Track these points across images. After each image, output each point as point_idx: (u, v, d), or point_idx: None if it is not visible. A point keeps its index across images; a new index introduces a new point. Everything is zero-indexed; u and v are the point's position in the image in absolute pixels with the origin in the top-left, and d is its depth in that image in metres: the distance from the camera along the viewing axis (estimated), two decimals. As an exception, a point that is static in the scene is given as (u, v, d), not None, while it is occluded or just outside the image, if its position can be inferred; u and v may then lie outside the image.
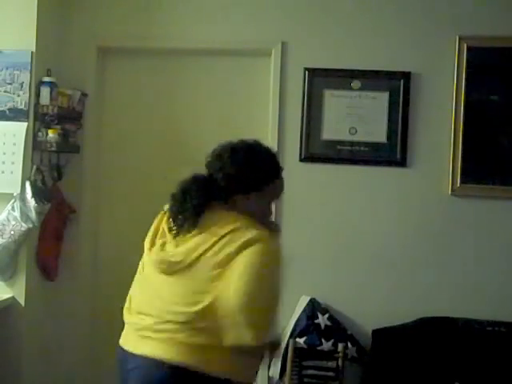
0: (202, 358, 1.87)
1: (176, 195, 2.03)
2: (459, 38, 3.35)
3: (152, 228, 2.09)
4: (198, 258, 1.90)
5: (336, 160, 3.44)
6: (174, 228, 1.98)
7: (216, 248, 1.91)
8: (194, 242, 1.93)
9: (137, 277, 2.11)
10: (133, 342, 1.97)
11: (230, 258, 1.89)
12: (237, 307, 1.84)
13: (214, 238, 1.91)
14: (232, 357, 1.89)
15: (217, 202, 2.00)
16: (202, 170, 2.12)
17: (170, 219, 2.01)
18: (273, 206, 2.18)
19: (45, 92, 3.30)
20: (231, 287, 1.86)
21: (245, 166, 2.03)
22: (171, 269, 1.93)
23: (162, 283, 1.95)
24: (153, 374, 1.89)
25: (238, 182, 2.01)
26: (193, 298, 1.88)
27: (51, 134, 3.28)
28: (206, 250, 1.91)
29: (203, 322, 1.87)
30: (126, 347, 1.98)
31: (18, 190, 3.19)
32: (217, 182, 2.01)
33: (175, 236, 1.97)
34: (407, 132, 3.40)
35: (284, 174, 2.14)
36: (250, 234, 1.92)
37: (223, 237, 1.91)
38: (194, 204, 1.97)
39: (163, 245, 1.99)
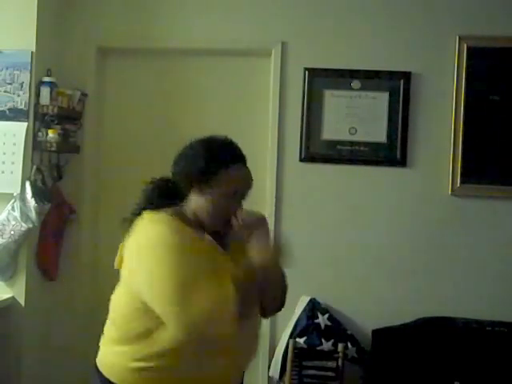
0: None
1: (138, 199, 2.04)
2: (459, 38, 3.35)
3: None
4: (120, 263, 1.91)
5: (336, 160, 3.44)
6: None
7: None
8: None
9: None
10: None
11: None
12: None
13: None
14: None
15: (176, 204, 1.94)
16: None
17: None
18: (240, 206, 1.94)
19: (45, 92, 3.30)
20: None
21: (180, 160, 1.95)
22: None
23: None
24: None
25: (180, 178, 1.93)
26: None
27: (51, 134, 3.28)
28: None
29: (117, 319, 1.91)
30: None
31: (18, 190, 3.19)
32: (175, 184, 1.97)
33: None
34: (407, 132, 3.40)
35: (250, 165, 1.95)
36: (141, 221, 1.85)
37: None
38: (139, 207, 1.98)
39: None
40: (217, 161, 1.89)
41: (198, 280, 1.71)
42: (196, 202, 1.89)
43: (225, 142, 1.97)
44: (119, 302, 1.94)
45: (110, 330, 1.99)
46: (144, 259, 1.78)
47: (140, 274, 1.79)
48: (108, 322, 2.00)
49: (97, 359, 1.95)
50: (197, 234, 1.85)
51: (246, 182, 1.93)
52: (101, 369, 1.90)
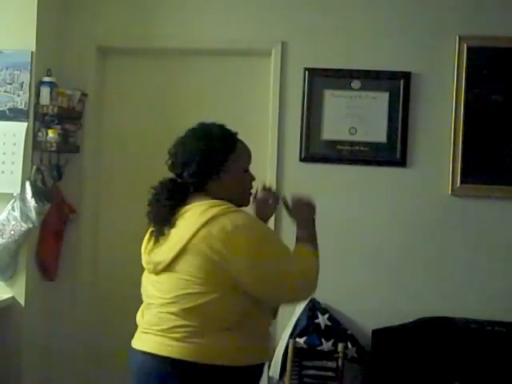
0: (195, 347, 1.87)
1: (150, 201, 2.05)
2: (459, 38, 3.35)
3: (147, 232, 2.11)
4: (176, 256, 1.91)
5: (336, 160, 3.44)
6: (155, 230, 2.00)
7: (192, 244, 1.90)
8: (172, 240, 1.93)
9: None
10: (136, 338, 2.02)
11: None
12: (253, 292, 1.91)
13: (188, 236, 1.90)
14: (227, 337, 1.89)
15: (197, 194, 1.99)
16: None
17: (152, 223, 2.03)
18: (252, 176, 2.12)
19: (45, 92, 3.30)
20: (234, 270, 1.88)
21: (195, 150, 2.00)
22: (156, 269, 1.96)
23: (152, 283, 2.00)
24: (150, 369, 1.91)
25: (197, 168, 1.97)
26: (178, 292, 1.90)
27: (51, 134, 3.28)
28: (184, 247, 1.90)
29: (188, 308, 1.88)
30: (132, 344, 2.02)
31: (18, 190, 3.19)
32: (184, 178, 2.01)
33: (157, 238, 1.98)
34: (407, 132, 3.40)
35: (255, 155, 2.13)
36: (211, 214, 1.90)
37: (197, 232, 1.89)
38: (166, 205, 1.98)
39: (151, 247, 2.01)
40: (230, 138, 2.05)
41: (284, 255, 1.98)
42: (218, 188, 1.99)
43: (220, 124, 2.09)
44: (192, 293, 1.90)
45: (186, 322, 1.90)
46: (241, 244, 1.87)
47: (237, 259, 1.86)
48: (171, 316, 1.91)
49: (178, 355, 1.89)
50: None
51: (251, 156, 2.12)
52: (203, 359, 1.87)
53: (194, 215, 1.91)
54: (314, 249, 2.14)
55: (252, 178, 2.11)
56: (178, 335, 1.88)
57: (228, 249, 1.85)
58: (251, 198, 2.14)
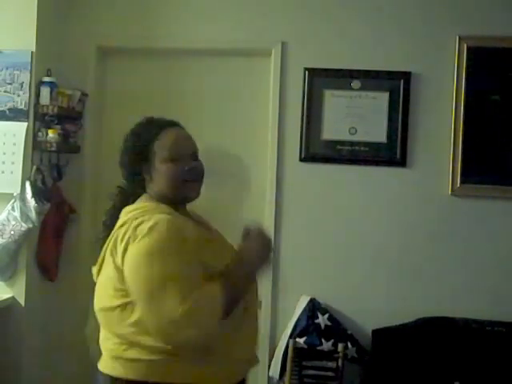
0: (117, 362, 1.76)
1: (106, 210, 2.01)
2: (459, 38, 3.35)
3: None
4: (99, 269, 1.87)
5: (336, 160, 3.44)
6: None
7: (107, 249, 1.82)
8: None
9: None
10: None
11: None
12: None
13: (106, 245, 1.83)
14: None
15: (140, 197, 1.90)
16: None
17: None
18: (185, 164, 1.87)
19: (45, 92, 3.29)
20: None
21: (123, 149, 1.92)
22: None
23: None
24: None
25: (128, 167, 1.89)
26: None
27: (51, 134, 3.28)
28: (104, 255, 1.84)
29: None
30: None
31: (18, 190, 3.19)
32: (124, 181, 1.95)
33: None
34: (407, 132, 3.40)
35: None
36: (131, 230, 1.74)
37: (110, 241, 1.82)
38: (108, 212, 1.98)
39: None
40: (148, 131, 1.88)
41: (174, 281, 1.64)
42: (153, 184, 1.86)
43: (151, 117, 1.96)
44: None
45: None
46: (132, 252, 1.72)
47: (125, 267, 1.73)
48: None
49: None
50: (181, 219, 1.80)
51: (184, 141, 1.90)
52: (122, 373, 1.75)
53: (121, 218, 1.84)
54: (229, 298, 1.68)
55: (184, 167, 1.83)
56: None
57: (123, 258, 1.73)
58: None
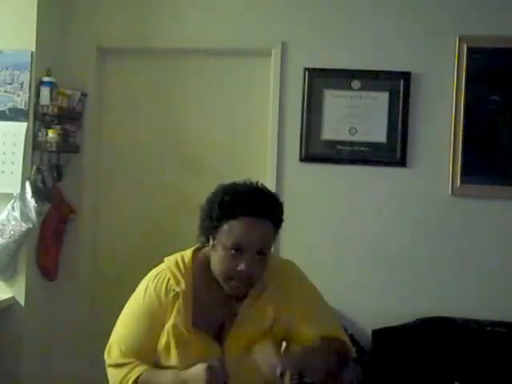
0: None
1: None
2: (459, 38, 3.35)
3: None
4: None
5: (336, 160, 3.44)
6: None
7: None
8: None
9: None
10: None
11: None
12: None
13: None
14: None
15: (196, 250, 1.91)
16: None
17: None
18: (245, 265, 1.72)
19: (45, 92, 3.29)
20: None
21: (207, 200, 1.82)
22: None
23: None
24: None
25: (200, 223, 1.83)
26: None
27: (51, 134, 3.28)
28: None
29: None
30: None
31: (18, 190, 3.19)
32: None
33: None
34: (407, 132, 3.39)
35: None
36: None
37: None
38: None
39: None
40: (225, 210, 1.73)
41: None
42: (211, 254, 1.80)
43: (245, 190, 1.77)
44: None
45: None
46: None
47: None
48: None
49: None
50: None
51: (249, 238, 1.71)
52: None
53: None
54: None
55: (235, 264, 1.71)
56: None
57: None
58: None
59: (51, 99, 3.30)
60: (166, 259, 1.89)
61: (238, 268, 1.71)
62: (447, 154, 3.36)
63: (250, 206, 1.72)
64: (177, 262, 1.83)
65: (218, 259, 1.75)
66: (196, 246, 1.89)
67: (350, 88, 3.42)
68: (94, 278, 3.63)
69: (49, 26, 3.40)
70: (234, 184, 1.80)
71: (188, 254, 1.87)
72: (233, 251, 1.71)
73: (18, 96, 3.25)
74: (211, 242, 1.78)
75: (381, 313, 3.31)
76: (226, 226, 1.72)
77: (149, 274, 1.88)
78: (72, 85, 3.46)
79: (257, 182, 1.81)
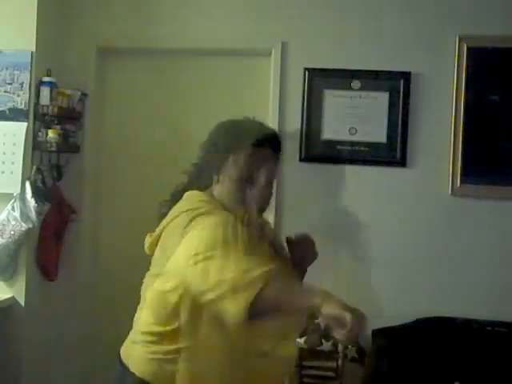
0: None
1: None
2: (459, 38, 3.35)
3: None
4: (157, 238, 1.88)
5: (336, 160, 3.44)
6: None
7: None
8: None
9: None
10: None
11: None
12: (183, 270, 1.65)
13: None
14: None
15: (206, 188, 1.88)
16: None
17: None
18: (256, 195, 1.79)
19: (45, 92, 3.30)
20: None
21: (207, 140, 1.86)
22: None
23: None
24: None
25: (207, 160, 1.85)
26: None
27: (51, 134, 3.28)
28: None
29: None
30: None
31: (18, 190, 3.19)
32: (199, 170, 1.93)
33: None
34: (407, 132, 3.40)
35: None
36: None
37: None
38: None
39: None
40: (237, 140, 1.78)
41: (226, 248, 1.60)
42: (219, 186, 1.81)
43: (250, 123, 1.85)
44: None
45: None
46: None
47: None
48: None
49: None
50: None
51: (265, 167, 1.76)
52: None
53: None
54: (268, 299, 1.60)
55: (251, 193, 1.76)
56: None
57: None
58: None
59: (51, 99, 3.30)
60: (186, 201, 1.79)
61: (252, 197, 1.75)
62: (447, 154, 3.36)
63: (261, 137, 1.78)
64: (201, 201, 1.77)
65: (230, 190, 1.78)
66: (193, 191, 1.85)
67: (350, 88, 3.42)
68: (94, 278, 3.63)
69: (49, 25, 3.40)
70: (236, 120, 1.87)
71: (197, 194, 1.82)
72: (245, 180, 1.75)
73: (18, 96, 3.26)
74: (215, 177, 1.79)
75: (381, 313, 3.31)
76: (237, 157, 1.76)
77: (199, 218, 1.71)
78: (72, 85, 3.46)
79: (253, 118, 1.88)
